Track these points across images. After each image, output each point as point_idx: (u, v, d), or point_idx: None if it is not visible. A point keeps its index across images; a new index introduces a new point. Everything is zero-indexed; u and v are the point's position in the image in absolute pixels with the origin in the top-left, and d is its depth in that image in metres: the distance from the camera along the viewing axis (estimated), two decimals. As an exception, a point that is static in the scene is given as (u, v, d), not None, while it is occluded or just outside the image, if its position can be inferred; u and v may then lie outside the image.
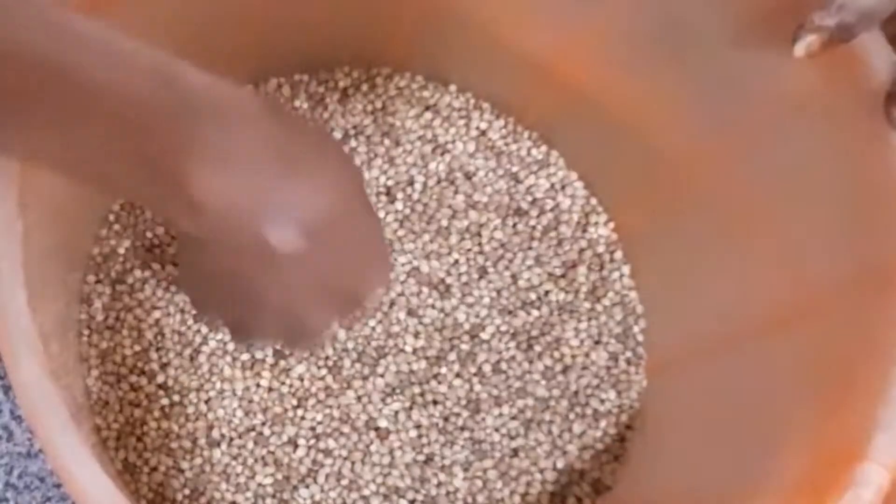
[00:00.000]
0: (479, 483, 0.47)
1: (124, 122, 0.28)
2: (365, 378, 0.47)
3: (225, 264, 0.33)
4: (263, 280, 0.33)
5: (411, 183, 0.50)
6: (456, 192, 0.50)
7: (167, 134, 0.28)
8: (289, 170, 0.30)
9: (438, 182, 0.51)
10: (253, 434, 0.46)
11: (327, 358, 0.47)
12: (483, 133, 0.51)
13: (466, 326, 0.49)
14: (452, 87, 0.52)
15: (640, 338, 0.49)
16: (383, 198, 0.50)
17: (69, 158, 0.30)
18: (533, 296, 0.49)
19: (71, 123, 0.28)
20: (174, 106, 0.28)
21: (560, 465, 0.48)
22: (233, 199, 0.29)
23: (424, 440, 0.47)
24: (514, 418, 0.48)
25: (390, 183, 0.50)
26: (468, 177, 0.51)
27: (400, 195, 0.50)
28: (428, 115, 0.51)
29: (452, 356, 0.48)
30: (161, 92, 0.28)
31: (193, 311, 0.47)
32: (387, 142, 0.51)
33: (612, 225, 0.51)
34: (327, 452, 0.46)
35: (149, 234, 0.48)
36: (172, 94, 0.28)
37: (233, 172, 0.29)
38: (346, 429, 0.47)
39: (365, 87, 0.51)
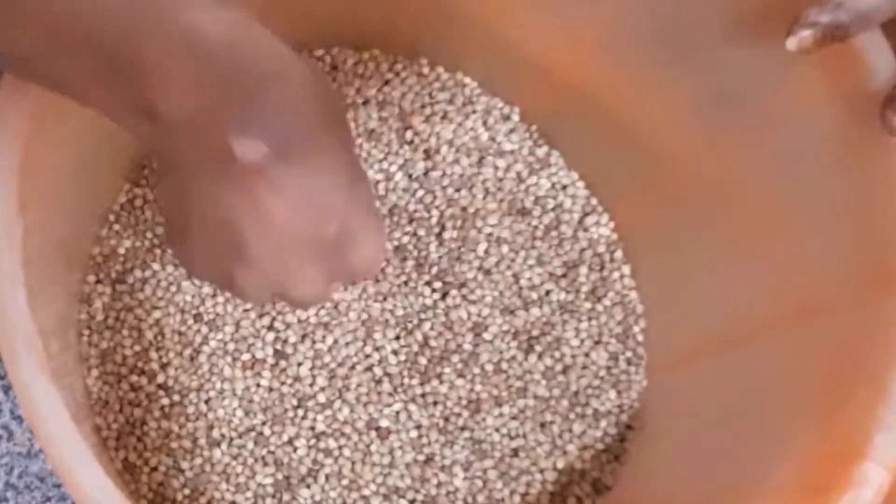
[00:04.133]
0: (479, 483, 0.47)
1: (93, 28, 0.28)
2: (365, 378, 0.47)
3: (207, 211, 0.32)
4: (247, 230, 0.32)
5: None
6: (458, 191, 0.50)
7: (125, 38, 0.28)
8: (259, 82, 0.29)
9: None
10: (253, 434, 0.46)
11: (328, 357, 0.47)
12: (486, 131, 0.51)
13: (469, 326, 0.49)
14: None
15: (640, 338, 0.49)
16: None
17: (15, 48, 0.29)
18: (534, 295, 0.49)
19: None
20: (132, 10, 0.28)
21: (560, 465, 0.48)
22: (193, 104, 0.29)
23: (425, 440, 0.47)
24: (514, 418, 0.48)
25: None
26: (471, 176, 0.51)
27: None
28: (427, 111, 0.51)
29: (455, 356, 0.48)
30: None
31: (192, 306, 0.47)
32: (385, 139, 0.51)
33: (612, 225, 0.50)
34: (328, 452, 0.46)
35: (149, 234, 0.48)
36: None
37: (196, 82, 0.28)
38: (346, 429, 0.47)
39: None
